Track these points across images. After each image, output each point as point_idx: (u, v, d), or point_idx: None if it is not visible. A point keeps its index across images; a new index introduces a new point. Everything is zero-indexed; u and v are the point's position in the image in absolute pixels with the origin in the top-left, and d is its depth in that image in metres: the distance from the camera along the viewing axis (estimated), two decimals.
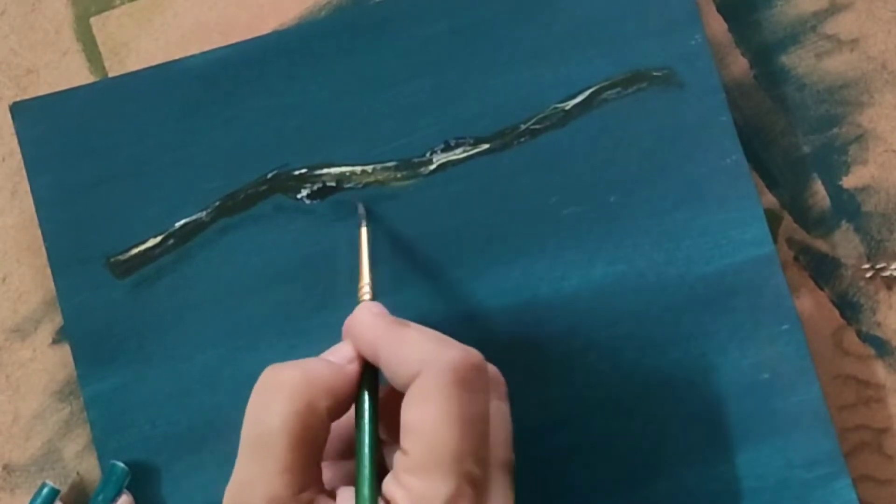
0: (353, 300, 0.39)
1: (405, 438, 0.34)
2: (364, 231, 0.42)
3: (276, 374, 0.36)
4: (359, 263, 0.41)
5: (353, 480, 0.35)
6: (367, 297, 0.39)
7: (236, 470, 0.35)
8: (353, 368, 0.37)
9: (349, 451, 0.38)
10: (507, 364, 0.41)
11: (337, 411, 0.36)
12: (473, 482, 0.34)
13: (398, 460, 0.34)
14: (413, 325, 0.37)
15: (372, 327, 0.37)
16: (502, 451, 0.36)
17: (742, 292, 0.44)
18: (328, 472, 0.37)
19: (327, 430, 0.36)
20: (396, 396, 0.36)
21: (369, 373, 0.37)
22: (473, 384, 0.35)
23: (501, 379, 0.38)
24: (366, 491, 0.34)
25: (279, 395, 0.35)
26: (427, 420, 0.34)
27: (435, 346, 0.35)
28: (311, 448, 0.35)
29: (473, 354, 0.35)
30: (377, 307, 0.38)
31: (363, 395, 0.37)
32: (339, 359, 0.37)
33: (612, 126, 0.45)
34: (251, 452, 0.35)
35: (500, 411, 0.37)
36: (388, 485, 0.34)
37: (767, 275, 0.44)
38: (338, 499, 0.35)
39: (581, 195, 0.45)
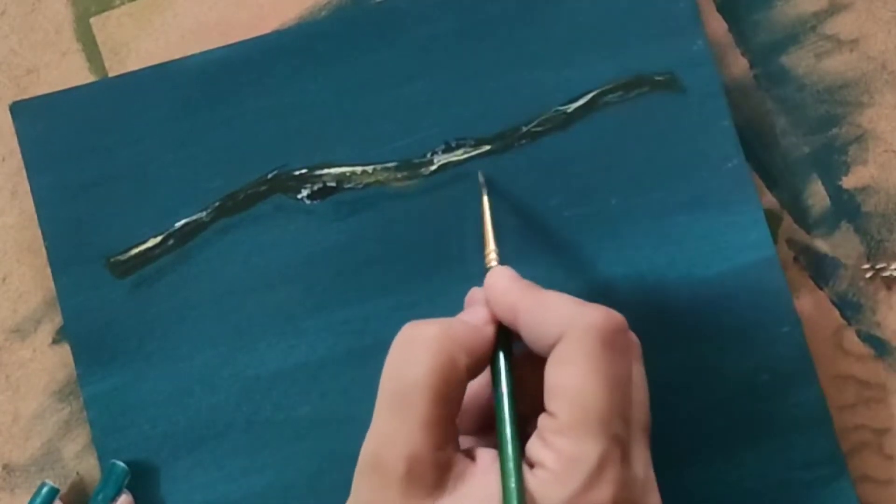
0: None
1: (551, 401, 0.34)
2: (486, 199, 0.42)
3: (418, 330, 0.36)
4: (483, 230, 0.41)
5: (489, 446, 0.36)
6: (494, 262, 0.39)
7: (374, 426, 0.35)
8: (490, 329, 0.37)
9: (479, 423, 0.38)
10: None
11: (475, 370, 0.36)
12: (621, 443, 0.34)
13: (544, 423, 0.34)
14: (548, 290, 0.37)
15: (509, 291, 0.37)
16: (642, 414, 0.36)
17: (743, 295, 0.44)
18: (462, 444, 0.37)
19: (464, 389, 0.36)
20: (527, 363, 0.36)
21: (504, 337, 0.37)
22: (617, 345, 0.35)
23: (637, 341, 0.37)
24: (510, 451, 0.34)
25: (420, 350, 0.35)
26: (575, 382, 0.34)
27: (577, 308, 0.35)
28: (451, 405, 0.35)
29: (616, 315, 0.35)
30: (510, 271, 0.38)
31: (499, 356, 0.37)
32: (474, 321, 0.37)
33: (613, 129, 0.45)
34: (390, 407, 0.35)
35: (638, 373, 0.37)
36: (534, 447, 0.34)
37: (768, 278, 0.44)
38: (478, 459, 0.35)
39: (582, 197, 0.45)
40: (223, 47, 0.46)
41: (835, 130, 0.46)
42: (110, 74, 0.47)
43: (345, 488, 0.44)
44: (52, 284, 0.45)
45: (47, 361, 0.46)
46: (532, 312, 0.36)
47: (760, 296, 0.44)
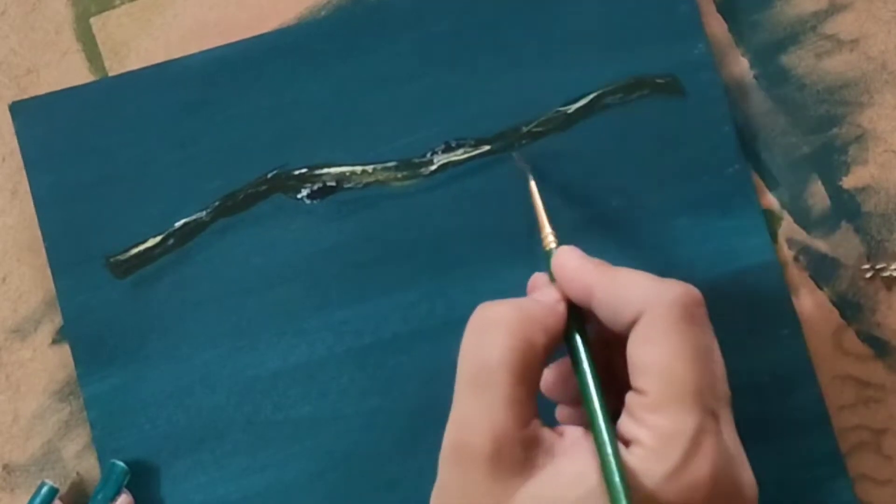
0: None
1: (639, 378, 0.34)
2: (533, 183, 0.42)
3: (492, 311, 0.36)
4: (535, 214, 0.41)
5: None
6: (554, 244, 0.39)
7: (455, 410, 0.35)
8: (563, 308, 0.37)
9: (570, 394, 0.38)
10: None
11: (551, 348, 0.36)
12: (713, 415, 0.34)
13: (633, 400, 0.34)
14: (619, 267, 0.37)
15: (582, 270, 0.37)
16: (725, 385, 0.36)
17: (743, 298, 0.44)
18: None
19: (542, 368, 0.36)
20: (596, 343, 0.36)
21: (577, 317, 0.37)
22: (699, 318, 0.35)
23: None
24: (604, 430, 0.34)
25: (497, 331, 0.35)
26: (662, 358, 0.34)
27: (656, 285, 0.35)
28: (531, 384, 0.35)
29: (694, 289, 0.36)
30: (578, 250, 0.38)
31: (575, 336, 0.37)
32: (546, 300, 0.37)
33: (614, 131, 0.45)
34: (471, 389, 0.35)
35: (715, 343, 0.36)
36: (626, 425, 0.34)
37: (768, 282, 0.44)
38: (565, 436, 0.35)
39: (582, 198, 0.45)
40: (223, 47, 0.46)
41: (835, 130, 0.46)
42: (110, 74, 0.47)
43: (345, 488, 0.44)
44: (52, 284, 0.45)
45: (47, 361, 0.46)
46: (608, 291, 0.36)
47: (760, 299, 0.44)
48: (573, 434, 0.35)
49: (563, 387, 0.39)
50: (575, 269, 0.37)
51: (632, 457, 0.33)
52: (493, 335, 0.35)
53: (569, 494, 0.33)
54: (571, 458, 0.34)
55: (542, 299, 0.37)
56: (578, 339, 0.37)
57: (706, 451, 0.33)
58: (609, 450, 0.33)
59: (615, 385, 0.36)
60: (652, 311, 0.35)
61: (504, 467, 0.33)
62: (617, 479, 0.32)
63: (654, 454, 0.33)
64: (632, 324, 0.35)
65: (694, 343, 0.34)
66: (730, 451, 0.34)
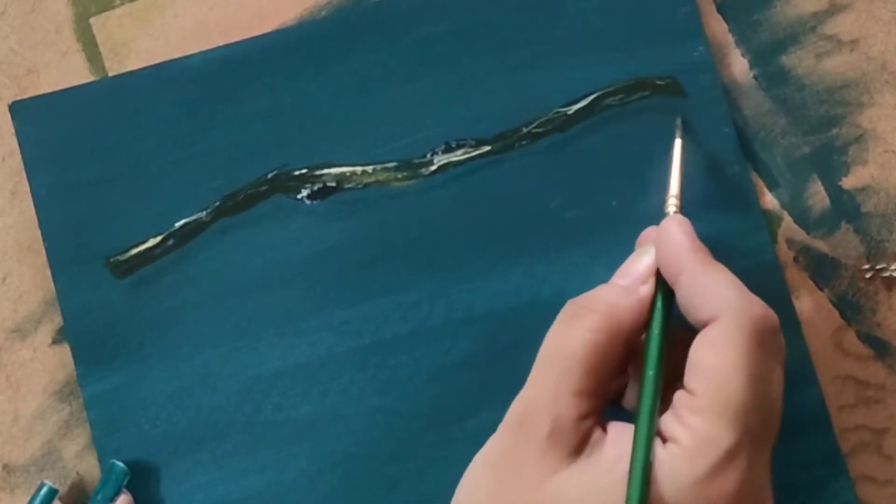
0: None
1: (693, 377, 0.35)
2: (678, 142, 0.42)
3: (582, 309, 0.37)
4: (669, 174, 0.41)
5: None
6: (672, 209, 0.40)
7: (527, 387, 0.37)
8: (647, 292, 0.38)
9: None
10: (507, 365, 0.41)
11: (632, 342, 0.38)
12: (752, 439, 0.34)
13: (681, 399, 0.35)
14: (716, 261, 0.38)
15: (680, 246, 0.38)
16: (774, 418, 0.36)
17: None
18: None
19: (618, 362, 0.37)
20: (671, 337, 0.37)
21: (664, 298, 0.38)
22: (769, 344, 0.36)
23: (783, 345, 0.38)
24: (645, 419, 0.35)
25: (582, 326, 0.37)
26: (721, 368, 0.34)
27: (741, 295, 0.36)
28: (601, 378, 0.37)
29: (774, 315, 0.36)
30: (687, 225, 0.39)
31: (653, 332, 0.37)
32: (634, 277, 0.38)
33: (614, 132, 0.45)
34: (547, 370, 0.37)
35: (778, 377, 0.37)
36: (668, 422, 0.35)
37: (768, 282, 0.44)
38: (609, 434, 0.36)
39: (582, 199, 0.45)
40: (223, 47, 0.46)
41: (835, 130, 0.46)
42: (110, 74, 0.47)
43: (345, 488, 0.44)
44: (52, 284, 0.45)
45: (47, 361, 0.46)
46: (695, 280, 0.37)
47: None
48: (619, 428, 0.36)
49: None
50: (674, 242, 0.38)
51: (665, 454, 0.34)
52: (577, 328, 0.37)
53: (603, 479, 0.35)
54: (614, 446, 0.36)
55: (632, 274, 0.39)
56: (656, 332, 0.37)
57: (736, 470, 0.34)
58: (643, 439, 0.34)
59: (674, 384, 0.37)
60: (728, 319, 0.35)
61: (556, 448, 0.35)
62: (639, 468, 0.34)
63: (686, 455, 0.34)
64: (705, 323, 0.36)
65: (756, 365, 0.35)
66: (759, 480, 0.35)
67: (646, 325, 0.38)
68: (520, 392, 0.37)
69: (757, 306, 0.36)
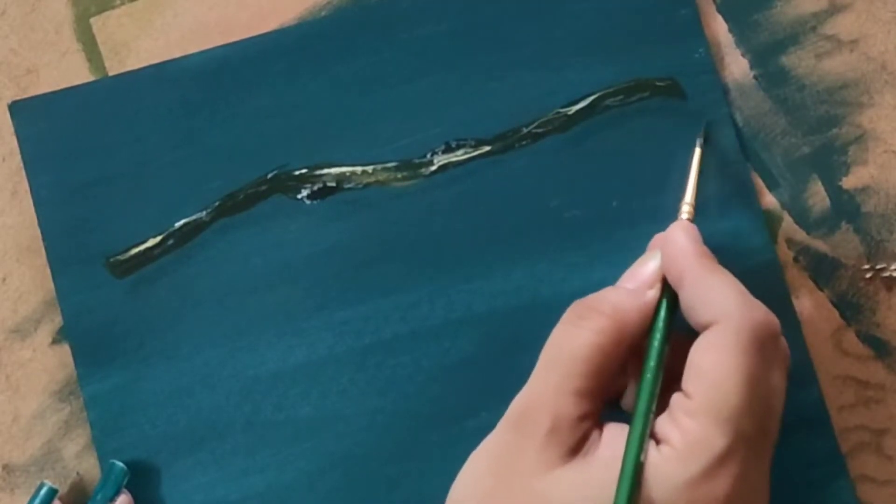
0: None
1: (690, 380, 0.35)
2: (698, 150, 0.42)
3: (587, 311, 0.38)
4: (687, 179, 0.41)
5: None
6: (685, 215, 0.40)
7: (530, 382, 0.38)
8: (653, 296, 0.38)
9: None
10: (506, 365, 0.41)
11: (635, 345, 0.38)
12: (747, 444, 0.34)
13: (677, 401, 0.35)
14: (720, 266, 0.38)
15: (684, 252, 0.38)
16: (773, 423, 0.37)
17: None
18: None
19: (620, 364, 0.38)
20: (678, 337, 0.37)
21: (669, 299, 0.38)
22: (768, 349, 0.36)
23: (787, 350, 0.38)
24: (639, 419, 0.36)
25: (585, 330, 0.37)
26: (718, 371, 0.35)
27: (741, 299, 0.36)
28: (603, 379, 0.37)
29: (775, 320, 0.37)
30: (693, 231, 0.39)
31: (655, 335, 0.38)
32: (640, 280, 0.39)
33: (614, 133, 0.45)
34: (550, 369, 0.37)
35: (779, 382, 0.37)
36: (663, 424, 0.35)
37: (768, 282, 0.44)
38: (604, 434, 0.36)
39: (582, 199, 0.45)
40: (223, 47, 0.46)
41: (835, 130, 0.46)
42: (110, 74, 0.47)
43: (345, 488, 0.44)
44: (52, 284, 0.45)
45: (47, 361, 0.46)
46: (698, 284, 0.37)
47: (760, 299, 0.43)
48: (615, 429, 0.36)
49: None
50: (679, 247, 0.38)
51: (658, 455, 0.34)
52: (580, 333, 0.37)
53: (597, 479, 0.35)
54: (609, 446, 0.36)
55: (638, 277, 0.39)
56: (657, 335, 0.38)
57: (729, 473, 0.34)
58: (635, 440, 0.35)
59: (674, 387, 0.37)
60: (728, 322, 0.35)
61: (554, 446, 0.36)
62: (629, 468, 0.34)
63: (678, 457, 0.34)
64: (706, 326, 0.36)
65: (753, 369, 0.35)
66: (753, 486, 0.35)
67: (649, 328, 0.38)
68: (521, 390, 0.38)
69: (758, 311, 0.36)
